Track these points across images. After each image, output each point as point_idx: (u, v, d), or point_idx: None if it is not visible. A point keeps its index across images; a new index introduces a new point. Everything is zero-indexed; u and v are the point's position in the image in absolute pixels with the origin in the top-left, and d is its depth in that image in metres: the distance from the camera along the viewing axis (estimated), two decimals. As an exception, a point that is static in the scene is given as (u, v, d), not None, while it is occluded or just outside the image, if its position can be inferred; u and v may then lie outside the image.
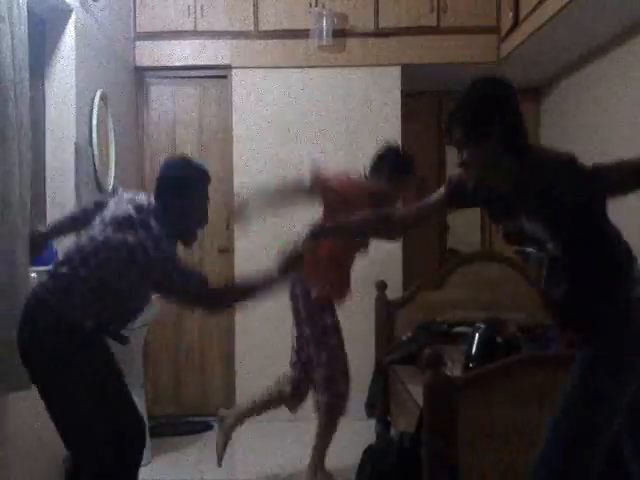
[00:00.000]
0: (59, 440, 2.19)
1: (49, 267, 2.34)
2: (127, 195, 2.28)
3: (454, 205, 2.16)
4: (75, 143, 3.25)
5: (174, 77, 4.43)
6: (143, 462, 3.44)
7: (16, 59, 2.52)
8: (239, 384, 4.32)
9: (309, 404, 3.41)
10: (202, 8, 4.27)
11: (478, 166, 1.85)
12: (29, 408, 2.49)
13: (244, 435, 4.03)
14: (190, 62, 4.34)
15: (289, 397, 3.33)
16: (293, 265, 2.28)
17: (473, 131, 1.81)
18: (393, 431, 3.45)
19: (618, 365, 1.79)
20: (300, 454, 3.52)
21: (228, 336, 4.38)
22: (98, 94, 3.54)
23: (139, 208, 2.16)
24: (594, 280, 1.83)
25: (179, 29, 4.30)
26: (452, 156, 2.12)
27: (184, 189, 2.21)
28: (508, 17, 3.91)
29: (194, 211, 2.25)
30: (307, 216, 4.34)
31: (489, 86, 1.86)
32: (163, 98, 4.44)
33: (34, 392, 2.17)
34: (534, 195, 1.79)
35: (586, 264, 1.82)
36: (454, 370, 2.92)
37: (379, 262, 4.32)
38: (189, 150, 4.40)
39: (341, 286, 3.28)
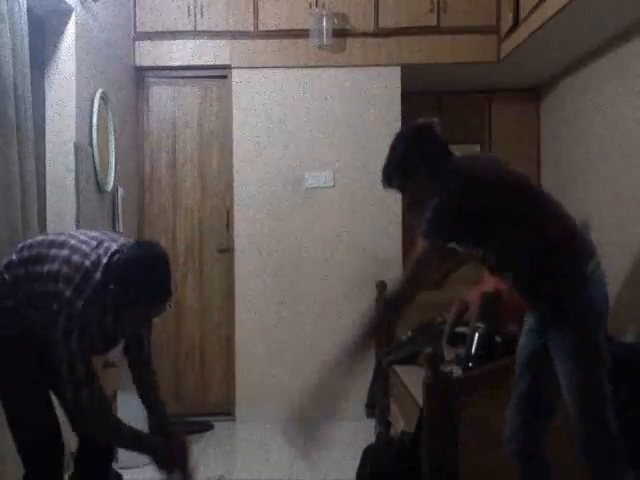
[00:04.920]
0: (72, 433, 2.25)
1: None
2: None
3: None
4: (75, 143, 3.26)
5: (174, 77, 4.43)
6: (143, 462, 3.49)
7: (16, 59, 2.52)
8: (239, 384, 4.32)
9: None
10: (202, 8, 4.27)
11: (419, 201, 2.09)
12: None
13: (245, 435, 4.03)
14: (190, 62, 4.34)
15: None
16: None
17: (404, 177, 2.10)
18: (393, 431, 3.45)
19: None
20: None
21: (228, 336, 4.37)
22: (98, 94, 3.54)
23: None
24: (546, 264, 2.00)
25: (179, 29, 4.30)
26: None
27: (140, 294, 1.91)
28: (508, 17, 3.90)
29: (138, 319, 2.03)
30: (307, 216, 4.35)
31: (407, 137, 2.17)
32: (163, 98, 4.44)
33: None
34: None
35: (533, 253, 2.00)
36: (454, 370, 2.92)
37: (379, 262, 4.32)
38: (189, 150, 4.40)
39: None
